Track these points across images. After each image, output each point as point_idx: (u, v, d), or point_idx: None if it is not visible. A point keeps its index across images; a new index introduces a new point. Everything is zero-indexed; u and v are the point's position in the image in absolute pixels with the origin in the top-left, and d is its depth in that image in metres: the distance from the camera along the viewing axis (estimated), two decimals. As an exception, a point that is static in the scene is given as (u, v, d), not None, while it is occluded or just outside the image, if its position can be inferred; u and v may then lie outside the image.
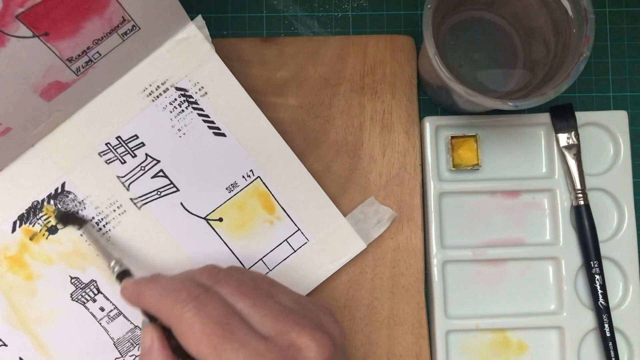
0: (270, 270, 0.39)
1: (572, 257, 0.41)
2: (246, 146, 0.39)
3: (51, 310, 0.38)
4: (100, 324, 0.38)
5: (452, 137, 0.41)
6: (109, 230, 0.38)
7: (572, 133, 0.41)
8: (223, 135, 0.39)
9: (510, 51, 0.41)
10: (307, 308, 0.31)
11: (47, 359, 0.38)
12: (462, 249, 0.41)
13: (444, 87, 0.36)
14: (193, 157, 0.39)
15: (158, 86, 0.38)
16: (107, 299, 0.38)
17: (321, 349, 0.28)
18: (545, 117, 0.41)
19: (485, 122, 0.41)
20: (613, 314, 0.40)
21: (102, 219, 0.38)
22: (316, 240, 0.39)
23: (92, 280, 0.38)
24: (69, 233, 0.38)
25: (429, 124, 0.41)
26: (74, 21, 0.33)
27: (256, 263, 0.39)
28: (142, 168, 0.38)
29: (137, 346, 0.39)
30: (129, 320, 0.39)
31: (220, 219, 0.39)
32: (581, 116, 0.41)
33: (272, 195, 0.39)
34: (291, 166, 0.39)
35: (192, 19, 0.39)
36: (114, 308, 0.38)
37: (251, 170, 0.39)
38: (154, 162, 0.38)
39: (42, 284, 0.38)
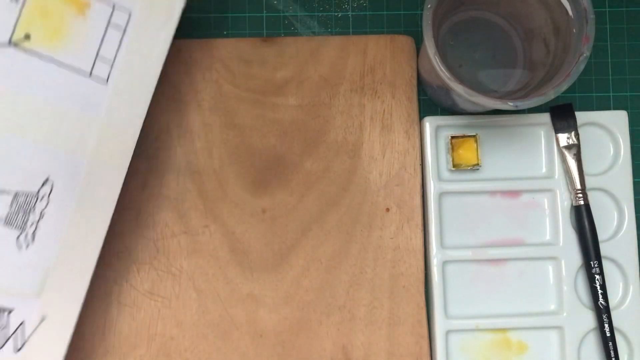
0: (114, 64, 0.35)
1: (572, 257, 0.41)
2: None
3: None
4: None
5: (452, 137, 0.41)
6: None
7: (572, 133, 0.41)
8: None
9: (510, 51, 0.41)
10: None
11: None
12: (462, 249, 0.41)
13: (444, 87, 0.36)
14: None
15: None
16: None
17: None
18: (545, 117, 0.41)
19: (485, 122, 0.41)
20: (613, 314, 0.40)
21: None
22: (139, 8, 0.35)
23: None
24: None
25: (429, 124, 0.41)
26: None
27: (94, 64, 0.34)
28: None
29: (30, 212, 0.34)
30: (5, 191, 0.33)
31: (27, 36, 0.33)
32: (581, 116, 0.41)
33: None
34: None
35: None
36: None
37: None
38: None
39: None
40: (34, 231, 0.34)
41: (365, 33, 0.43)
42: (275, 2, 0.43)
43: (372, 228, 0.41)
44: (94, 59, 0.35)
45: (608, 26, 0.43)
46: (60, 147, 0.34)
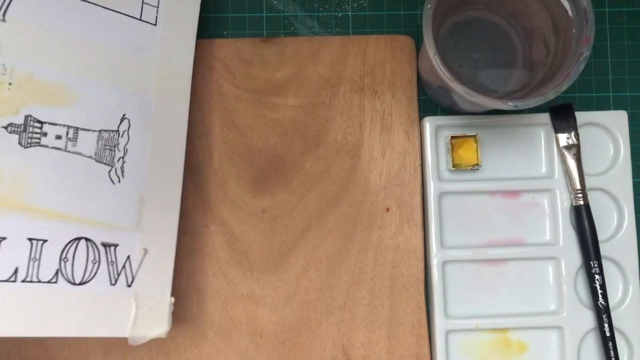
0: (159, 7, 0.38)
1: (572, 257, 0.41)
2: None
3: (16, 169, 0.33)
4: (69, 152, 0.35)
5: (452, 137, 0.41)
6: None
7: (572, 133, 0.41)
8: None
9: (510, 51, 0.41)
10: None
11: (57, 220, 0.34)
12: (462, 249, 0.41)
13: (444, 87, 0.36)
14: None
15: None
16: (54, 124, 0.34)
17: None
18: (545, 117, 0.41)
19: (485, 122, 0.41)
20: (613, 313, 0.40)
21: None
22: None
23: (28, 116, 0.34)
24: None
25: (429, 124, 0.41)
26: None
27: (142, 8, 0.38)
28: None
29: (115, 148, 0.36)
30: (90, 130, 0.35)
31: None
32: (581, 116, 0.41)
33: None
34: None
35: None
36: (68, 127, 0.35)
37: None
38: None
39: None
40: (122, 165, 0.36)
41: (365, 33, 0.43)
42: (275, 2, 0.43)
43: (372, 228, 0.41)
44: (141, 3, 0.38)
45: (608, 26, 0.43)
46: (129, 86, 0.37)
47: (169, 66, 0.39)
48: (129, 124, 0.37)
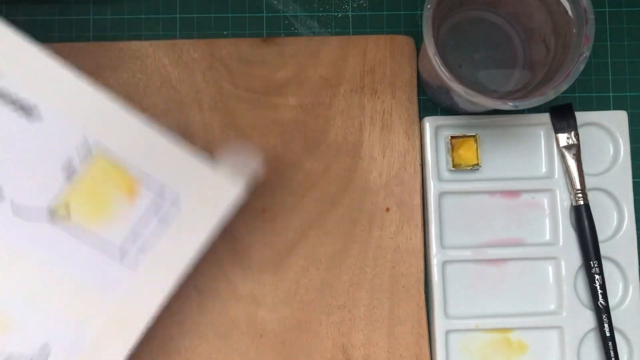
0: (149, 253, 0.34)
1: (572, 257, 0.41)
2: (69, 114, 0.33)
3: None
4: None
5: (452, 137, 0.41)
6: None
7: (572, 133, 0.41)
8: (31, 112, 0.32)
9: (510, 51, 0.41)
10: None
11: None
12: (462, 249, 0.41)
13: (444, 87, 0.36)
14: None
15: None
16: None
17: None
18: (545, 117, 0.41)
19: (485, 122, 0.41)
20: (613, 314, 0.40)
21: None
22: (188, 208, 0.34)
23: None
24: None
25: (429, 124, 0.41)
26: None
27: (128, 251, 0.35)
28: None
29: None
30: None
31: (67, 214, 0.34)
32: (581, 116, 0.41)
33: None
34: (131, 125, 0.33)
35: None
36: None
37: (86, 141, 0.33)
38: None
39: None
40: None
41: (365, 33, 0.43)
42: (275, 2, 0.43)
43: (372, 228, 0.41)
44: (132, 244, 0.34)
45: (608, 26, 0.43)
46: (69, 318, 0.34)
47: (126, 311, 0.35)
48: (49, 353, 0.34)
